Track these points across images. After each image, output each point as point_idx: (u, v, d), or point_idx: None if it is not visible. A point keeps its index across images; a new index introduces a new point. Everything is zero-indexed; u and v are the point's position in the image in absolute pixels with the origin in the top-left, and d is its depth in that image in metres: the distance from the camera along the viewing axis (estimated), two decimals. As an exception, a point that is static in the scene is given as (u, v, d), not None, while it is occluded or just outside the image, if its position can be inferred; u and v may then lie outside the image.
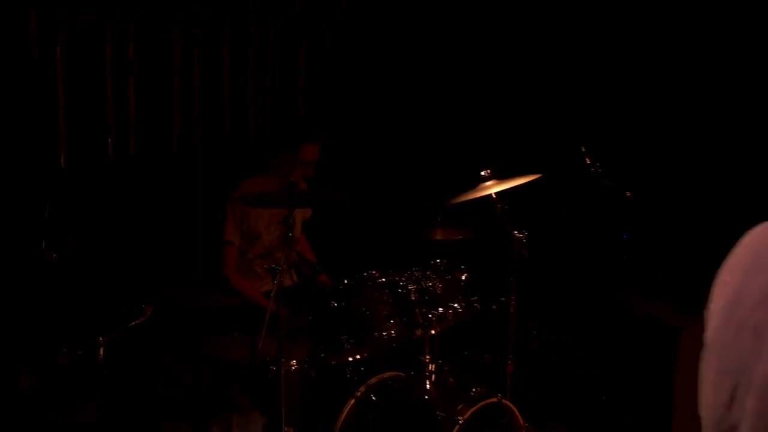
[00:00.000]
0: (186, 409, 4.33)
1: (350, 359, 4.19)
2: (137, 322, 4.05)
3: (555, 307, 5.20)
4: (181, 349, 4.48)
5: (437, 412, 3.98)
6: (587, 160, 4.50)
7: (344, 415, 4.07)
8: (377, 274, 4.20)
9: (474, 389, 4.10)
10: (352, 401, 4.10)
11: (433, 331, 4.18)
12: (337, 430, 4.04)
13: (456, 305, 4.27)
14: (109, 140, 5.18)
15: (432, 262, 4.38)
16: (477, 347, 5.22)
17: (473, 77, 6.41)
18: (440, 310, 4.19)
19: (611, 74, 5.87)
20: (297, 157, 4.88)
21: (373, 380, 4.22)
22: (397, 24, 6.33)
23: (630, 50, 5.84)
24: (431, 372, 4.20)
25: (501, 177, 4.34)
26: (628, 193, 4.29)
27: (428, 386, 4.17)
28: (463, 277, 4.36)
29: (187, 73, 5.50)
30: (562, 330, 5.22)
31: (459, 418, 3.86)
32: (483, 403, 3.98)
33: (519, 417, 4.16)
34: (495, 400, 4.03)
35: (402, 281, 4.19)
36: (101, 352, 3.93)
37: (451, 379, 4.28)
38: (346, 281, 4.20)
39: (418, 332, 4.18)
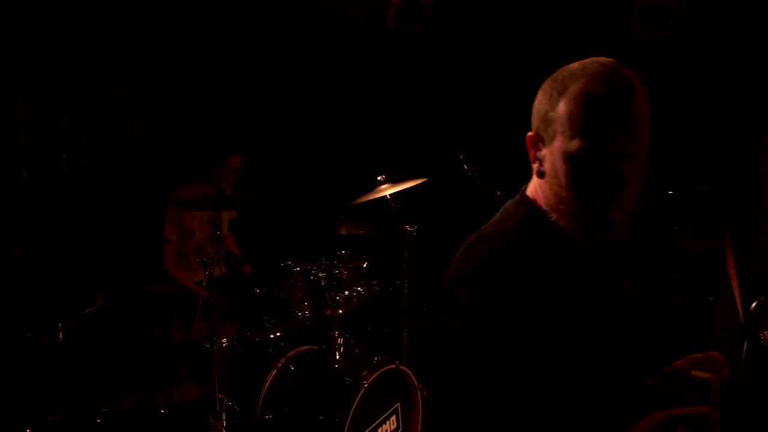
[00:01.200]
0: (136, 383, 4.48)
1: (271, 336, 4.59)
2: (91, 309, 4.38)
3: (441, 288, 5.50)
4: (130, 332, 4.65)
5: (346, 378, 4.25)
6: (464, 165, 4.79)
7: (268, 382, 4.40)
8: (292, 264, 4.57)
9: (376, 358, 4.42)
10: (274, 371, 4.44)
11: (340, 311, 4.55)
12: (263, 396, 4.36)
13: (359, 288, 4.68)
14: (63, 155, 5.30)
15: (338, 252, 4.72)
16: (377, 323, 5.52)
17: (369, 98, 6.73)
18: (346, 293, 4.59)
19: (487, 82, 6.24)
20: (224, 166, 5.18)
21: (292, 353, 4.54)
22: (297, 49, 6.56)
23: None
24: (340, 345, 4.52)
25: (394, 181, 4.66)
26: (499, 193, 4.51)
27: (338, 357, 4.48)
28: (365, 265, 4.74)
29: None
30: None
31: (364, 382, 4.16)
32: (384, 369, 4.31)
33: (414, 379, 4.49)
34: (393, 366, 4.38)
35: (313, 269, 4.56)
36: (61, 336, 4.22)
37: (356, 350, 4.58)
38: (266, 271, 4.56)
39: (328, 312, 4.54)
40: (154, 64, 5.79)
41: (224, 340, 4.46)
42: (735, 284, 4.32)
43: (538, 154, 1.80)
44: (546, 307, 1.68)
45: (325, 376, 4.42)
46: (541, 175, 1.80)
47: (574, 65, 1.74)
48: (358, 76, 6.83)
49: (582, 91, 1.67)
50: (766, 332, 4.21)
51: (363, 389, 4.16)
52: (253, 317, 4.57)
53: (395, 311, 4.97)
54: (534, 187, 1.86)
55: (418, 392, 4.55)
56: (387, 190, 4.64)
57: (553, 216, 1.79)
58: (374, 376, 4.26)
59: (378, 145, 6.53)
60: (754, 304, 4.14)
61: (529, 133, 1.81)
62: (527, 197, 1.88)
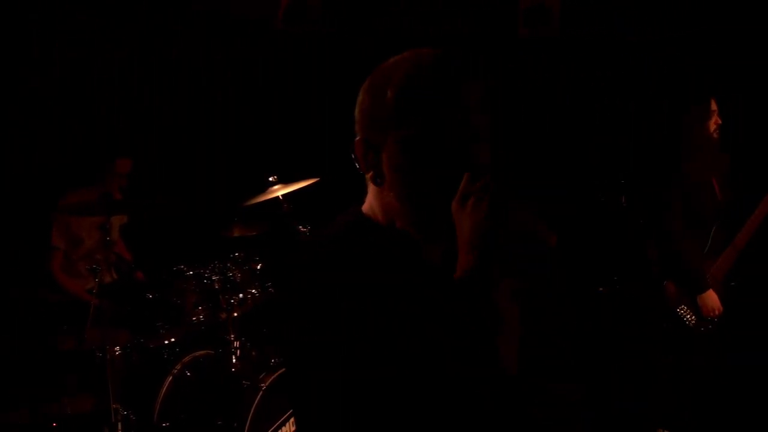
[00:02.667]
0: (26, 396, 4.42)
1: (166, 342, 4.53)
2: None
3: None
4: (18, 342, 4.57)
5: (243, 382, 4.21)
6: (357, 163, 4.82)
7: (164, 390, 4.34)
8: (185, 268, 4.55)
9: (273, 360, 4.37)
10: (170, 378, 4.38)
11: (235, 314, 4.51)
12: (159, 404, 4.30)
13: (254, 290, 4.65)
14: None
15: (231, 255, 4.70)
16: (273, 325, 5.55)
17: (260, 98, 6.73)
18: (240, 295, 4.56)
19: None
20: (113, 170, 5.13)
21: (187, 358, 4.49)
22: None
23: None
24: (236, 348, 4.48)
25: (286, 181, 4.66)
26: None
27: (234, 360, 4.44)
28: (259, 267, 4.72)
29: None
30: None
31: (262, 384, 4.14)
32: (282, 370, 4.21)
33: None
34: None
35: (206, 273, 4.55)
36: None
37: (253, 353, 4.55)
38: (158, 276, 4.53)
39: (223, 315, 4.52)
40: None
41: (117, 348, 4.37)
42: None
43: (370, 159, 1.64)
44: (379, 308, 1.56)
45: (222, 381, 4.39)
46: (379, 181, 1.64)
47: (389, 60, 1.66)
48: (249, 76, 6.81)
49: (407, 73, 1.58)
50: (683, 307, 4.38)
51: (261, 392, 4.13)
52: (146, 324, 4.53)
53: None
54: (369, 202, 1.72)
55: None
56: (279, 191, 4.63)
57: (398, 223, 1.66)
58: (272, 378, 4.23)
59: (270, 145, 6.53)
60: (665, 283, 4.31)
61: (356, 139, 1.66)
62: (359, 210, 1.74)
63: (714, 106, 4.35)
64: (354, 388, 1.51)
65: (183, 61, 6.55)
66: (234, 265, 4.67)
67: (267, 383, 4.19)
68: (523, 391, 1.70)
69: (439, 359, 1.54)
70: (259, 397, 4.12)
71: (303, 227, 4.66)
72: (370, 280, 1.58)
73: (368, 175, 1.66)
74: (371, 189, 1.69)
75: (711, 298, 4.39)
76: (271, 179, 4.71)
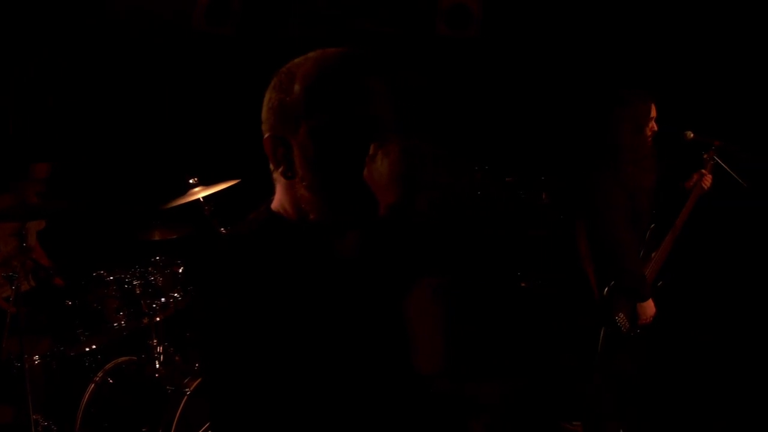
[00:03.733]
0: None
1: (87, 349, 4.45)
2: None
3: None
4: None
5: (167, 387, 4.18)
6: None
7: (86, 398, 4.27)
8: (105, 273, 4.47)
9: (197, 364, 4.33)
10: (92, 386, 4.32)
11: (158, 318, 4.49)
12: (81, 412, 4.24)
13: (176, 294, 4.61)
14: None
15: (152, 259, 4.66)
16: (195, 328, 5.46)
17: (181, 100, 6.70)
18: (162, 300, 4.53)
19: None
20: (28, 175, 4.99)
21: (109, 366, 4.42)
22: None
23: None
24: (159, 353, 4.45)
25: (207, 183, 4.60)
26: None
27: (158, 366, 4.41)
28: (180, 270, 4.69)
29: None
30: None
31: (186, 390, 4.10)
32: None
33: None
34: None
35: (127, 278, 4.47)
36: None
37: (177, 358, 4.51)
38: (78, 281, 4.42)
39: (145, 320, 4.48)
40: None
41: (36, 357, 4.31)
42: (590, 271, 4.48)
43: (280, 155, 1.68)
44: (283, 307, 1.63)
45: (146, 387, 4.34)
46: (290, 175, 1.68)
47: (293, 60, 1.71)
48: (168, 77, 6.79)
49: (314, 66, 1.65)
50: (620, 315, 4.38)
51: (185, 397, 4.10)
52: (66, 331, 4.42)
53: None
54: (279, 199, 1.76)
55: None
56: (200, 193, 4.58)
57: (311, 215, 1.69)
58: (197, 383, 4.18)
59: (190, 147, 6.50)
60: (606, 290, 4.31)
61: (265, 136, 1.70)
62: (270, 208, 1.79)
63: (653, 112, 4.33)
64: (248, 387, 1.57)
65: (99, 62, 6.47)
66: (155, 269, 4.63)
67: (191, 388, 4.16)
68: (436, 391, 1.75)
69: (336, 360, 1.63)
70: (183, 402, 4.09)
71: (225, 229, 4.58)
72: (277, 280, 1.63)
73: (278, 171, 1.69)
74: (281, 185, 1.73)
75: (650, 306, 4.36)
76: (191, 181, 4.66)
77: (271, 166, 1.73)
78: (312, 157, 1.64)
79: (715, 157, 4.50)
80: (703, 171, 4.53)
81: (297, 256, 1.70)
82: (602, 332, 4.56)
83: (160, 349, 4.50)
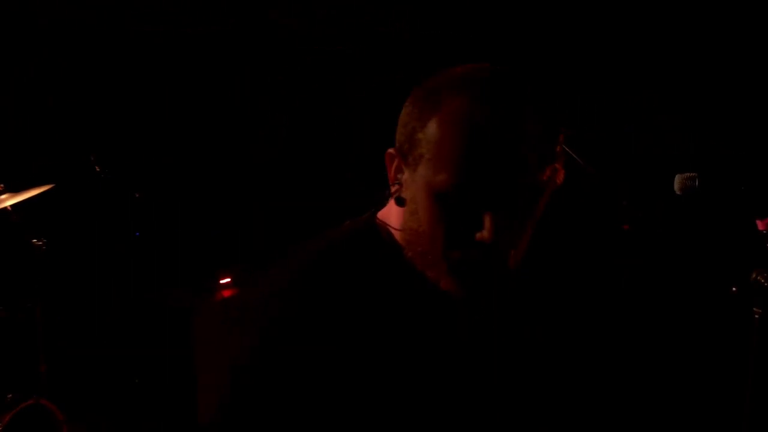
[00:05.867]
0: None
1: None
2: None
3: (87, 307, 4.96)
4: None
5: None
6: (97, 167, 4.49)
7: None
8: None
9: (10, 395, 4.01)
10: None
11: None
12: None
13: None
14: None
15: None
16: (8, 354, 4.59)
17: None
18: None
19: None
20: None
21: None
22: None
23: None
24: None
25: (15, 190, 4.18)
26: (137, 194, 4.49)
27: None
28: None
29: None
30: (99, 325, 5.07)
31: None
32: (20, 406, 3.95)
33: (58, 413, 4.17)
34: (32, 401, 4.03)
35: None
36: None
37: None
38: None
39: None
40: None
41: None
42: None
43: (398, 176, 1.42)
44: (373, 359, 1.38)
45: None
46: (400, 202, 1.42)
47: (455, 72, 1.38)
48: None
49: (459, 112, 1.30)
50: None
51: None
52: None
53: (28, 338, 4.41)
54: (388, 213, 1.50)
55: (65, 427, 4.29)
56: (6, 201, 4.18)
57: (409, 253, 1.42)
58: (9, 416, 3.96)
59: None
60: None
61: (390, 150, 1.43)
62: (377, 219, 1.53)
63: None
64: None
65: None
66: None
67: (4, 423, 3.93)
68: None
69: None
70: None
71: (37, 240, 4.30)
72: (350, 324, 1.40)
73: (393, 188, 1.45)
74: (392, 203, 1.47)
75: None
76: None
77: (389, 178, 1.49)
78: (423, 212, 1.39)
79: (565, 148, 5.10)
80: (555, 165, 4.94)
81: (383, 292, 1.45)
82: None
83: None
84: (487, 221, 1.33)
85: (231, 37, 5.84)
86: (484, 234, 1.33)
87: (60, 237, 4.70)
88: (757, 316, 3.14)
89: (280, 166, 5.86)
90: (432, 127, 1.33)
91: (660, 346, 4.57)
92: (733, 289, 3.95)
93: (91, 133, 5.90)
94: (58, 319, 4.83)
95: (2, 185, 4.17)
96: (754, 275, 3.39)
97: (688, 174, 3.51)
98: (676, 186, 3.67)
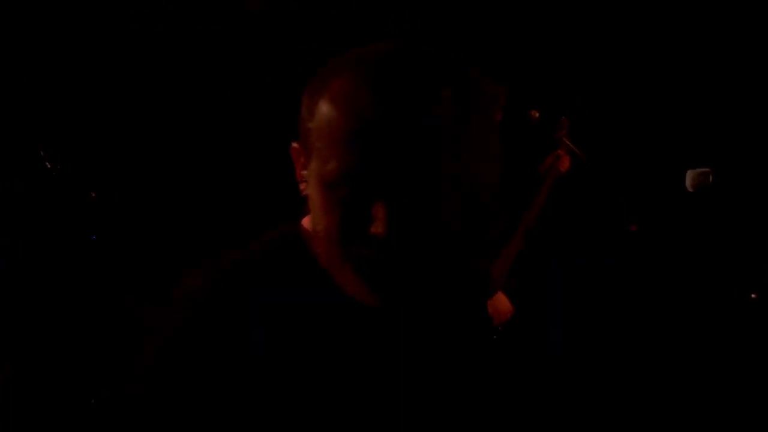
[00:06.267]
0: None
1: None
2: None
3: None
4: None
5: None
6: (47, 162, 4.27)
7: None
8: None
9: None
10: None
11: None
12: None
13: None
14: None
15: None
16: None
17: None
18: None
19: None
20: None
21: None
22: None
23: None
24: None
25: None
26: (92, 194, 4.29)
27: None
28: None
29: None
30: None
31: None
32: None
33: None
34: None
35: None
36: None
37: None
38: None
39: None
40: None
41: None
42: None
43: (303, 172, 1.26)
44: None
45: None
46: (307, 201, 1.26)
47: (350, 53, 1.21)
48: None
49: (344, 90, 1.14)
50: None
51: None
52: None
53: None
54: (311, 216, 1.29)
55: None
56: None
57: (323, 260, 1.27)
58: None
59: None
60: None
61: (294, 143, 1.28)
62: (300, 225, 1.37)
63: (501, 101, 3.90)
64: None
65: None
66: None
67: None
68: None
69: None
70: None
71: None
72: (285, 344, 1.25)
73: (300, 186, 1.29)
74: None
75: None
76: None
77: (297, 176, 1.33)
78: (317, 209, 1.24)
79: (565, 139, 4.14)
80: (559, 152, 4.11)
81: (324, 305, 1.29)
82: None
83: None
84: (380, 212, 1.14)
85: (225, 37, 5.63)
86: (377, 227, 1.15)
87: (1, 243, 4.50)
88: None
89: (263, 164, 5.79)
90: (319, 113, 1.19)
91: (671, 356, 4.48)
92: (753, 295, 4.25)
93: (41, 123, 5.75)
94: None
95: None
96: None
97: (701, 169, 3.51)
98: (688, 182, 3.63)
